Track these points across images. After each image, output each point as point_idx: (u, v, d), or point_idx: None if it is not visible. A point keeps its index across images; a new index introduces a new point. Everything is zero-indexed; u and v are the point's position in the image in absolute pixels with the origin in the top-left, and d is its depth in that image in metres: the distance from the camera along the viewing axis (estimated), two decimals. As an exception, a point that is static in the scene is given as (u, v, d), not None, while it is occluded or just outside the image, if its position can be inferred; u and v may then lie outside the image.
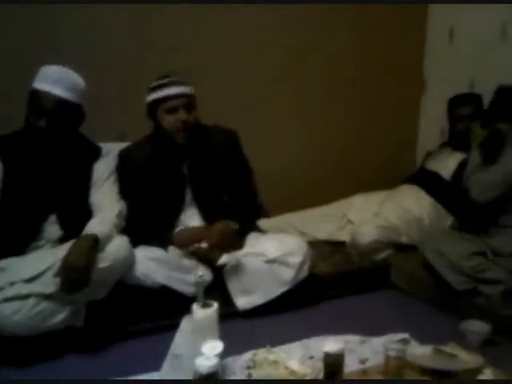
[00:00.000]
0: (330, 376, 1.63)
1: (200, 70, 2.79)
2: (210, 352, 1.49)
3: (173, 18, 2.87)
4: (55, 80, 2.08)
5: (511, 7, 2.96)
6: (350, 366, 1.76)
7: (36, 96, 2.08)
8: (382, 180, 3.28)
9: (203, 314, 1.68)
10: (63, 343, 2.01)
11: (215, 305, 1.72)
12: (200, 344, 1.57)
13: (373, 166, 3.47)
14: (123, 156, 2.38)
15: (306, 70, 3.26)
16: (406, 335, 2.03)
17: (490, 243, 2.46)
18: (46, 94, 2.07)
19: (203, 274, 1.81)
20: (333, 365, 1.62)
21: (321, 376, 1.68)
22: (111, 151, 2.36)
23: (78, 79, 2.16)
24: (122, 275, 2.12)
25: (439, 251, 2.46)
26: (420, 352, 1.88)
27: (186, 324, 1.70)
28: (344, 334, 2.03)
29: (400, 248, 2.82)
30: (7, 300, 1.90)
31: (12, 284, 1.94)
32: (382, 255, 2.80)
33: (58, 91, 2.08)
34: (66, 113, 2.11)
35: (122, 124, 2.73)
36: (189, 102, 2.32)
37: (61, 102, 2.09)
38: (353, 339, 2.02)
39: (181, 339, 1.68)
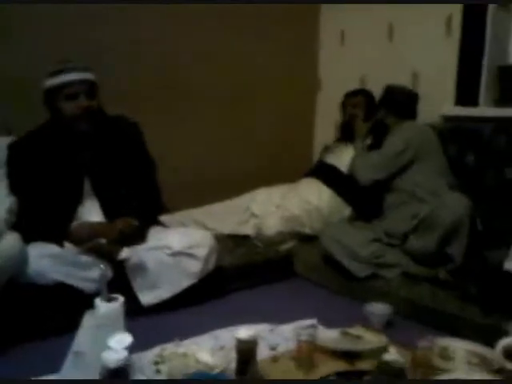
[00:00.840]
0: (243, 363, 1.59)
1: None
2: (117, 345, 1.39)
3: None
4: None
5: (396, 8, 3.14)
6: (261, 353, 1.74)
7: None
8: (282, 175, 3.33)
9: (107, 308, 1.58)
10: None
11: (120, 298, 1.63)
12: (104, 340, 1.47)
13: (273, 162, 3.51)
14: (14, 147, 2.22)
15: (212, 70, 3.25)
16: (313, 321, 2.05)
17: (382, 226, 2.59)
18: None
19: (105, 266, 1.70)
20: (245, 351, 1.58)
21: (232, 366, 1.64)
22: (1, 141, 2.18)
23: None
24: (14, 274, 1.94)
25: (338, 241, 2.53)
26: (328, 336, 1.92)
27: (88, 320, 1.58)
28: (253, 323, 2.01)
29: (303, 238, 2.87)
30: None
31: None
32: (287, 246, 2.84)
33: None
34: None
35: (6, 119, 2.52)
36: (90, 89, 2.22)
37: None
38: (262, 328, 2.01)
39: (83, 336, 1.56)
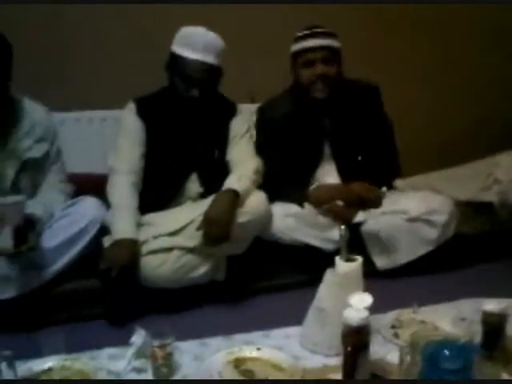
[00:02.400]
0: (490, 338, 1.48)
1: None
2: (359, 304, 1.41)
3: None
4: (205, 47, 2.04)
5: None
6: (508, 330, 1.60)
7: (187, 64, 2.04)
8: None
9: (348, 267, 1.61)
10: (204, 297, 2.05)
11: (359, 259, 1.64)
12: (344, 298, 1.50)
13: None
14: (263, 110, 2.37)
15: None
16: None
17: None
18: (199, 64, 2.04)
19: (345, 227, 1.73)
20: (493, 325, 1.47)
21: (477, 339, 1.54)
22: (246, 108, 2.35)
23: (221, 42, 2.11)
24: (260, 232, 2.10)
25: None
26: None
27: (329, 277, 1.63)
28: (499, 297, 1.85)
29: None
30: (152, 252, 1.97)
31: (156, 237, 2.00)
32: (538, 216, 2.54)
33: (210, 59, 2.05)
34: (216, 78, 2.12)
35: (250, 85, 2.70)
36: (328, 56, 2.21)
37: (213, 70, 2.09)
38: (509, 303, 1.83)
39: (325, 292, 1.62)
